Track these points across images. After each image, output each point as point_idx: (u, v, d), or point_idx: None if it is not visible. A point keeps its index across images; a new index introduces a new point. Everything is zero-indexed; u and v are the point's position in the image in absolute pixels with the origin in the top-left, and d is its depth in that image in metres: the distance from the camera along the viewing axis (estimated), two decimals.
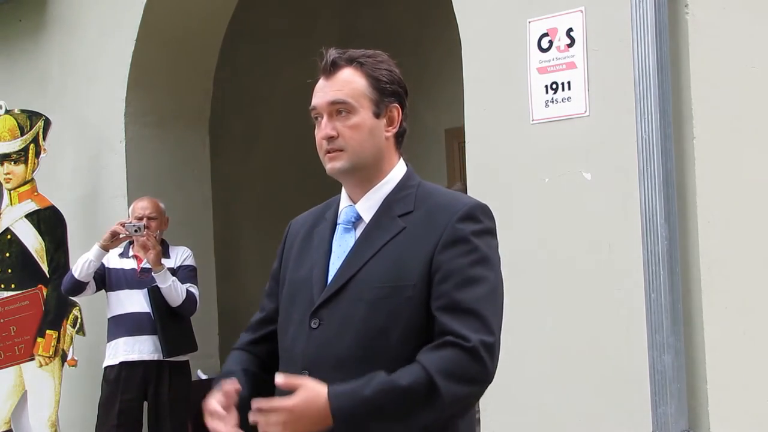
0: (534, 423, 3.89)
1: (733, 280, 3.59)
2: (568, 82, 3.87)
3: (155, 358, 5.50)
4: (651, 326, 3.49)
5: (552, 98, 3.92)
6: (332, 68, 2.22)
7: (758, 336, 3.65)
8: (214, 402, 2.17)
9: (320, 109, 2.23)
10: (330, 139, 2.21)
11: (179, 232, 6.27)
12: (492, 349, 2.08)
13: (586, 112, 3.82)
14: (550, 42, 3.93)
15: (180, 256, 5.70)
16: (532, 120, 3.98)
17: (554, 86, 3.92)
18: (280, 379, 2.07)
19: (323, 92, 2.23)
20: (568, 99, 3.87)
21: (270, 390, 2.21)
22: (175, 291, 5.43)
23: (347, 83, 2.21)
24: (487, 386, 2.13)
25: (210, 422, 2.16)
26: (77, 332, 6.24)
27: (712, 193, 3.55)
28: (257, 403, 2.05)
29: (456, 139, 6.81)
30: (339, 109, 2.20)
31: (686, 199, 3.53)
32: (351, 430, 2.03)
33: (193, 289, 5.59)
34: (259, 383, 2.30)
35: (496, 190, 4.02)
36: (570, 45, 3.87)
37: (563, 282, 3.88)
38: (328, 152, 2.22)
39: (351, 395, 2.03)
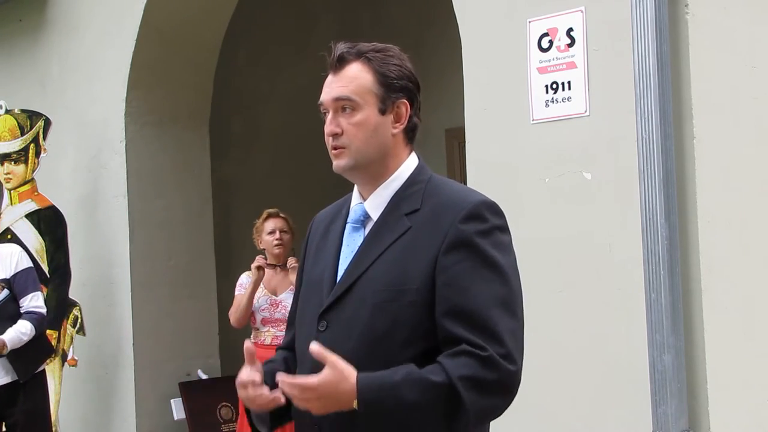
0: (534, 423, 3.89)
1: (733, 280, 3.59)
2: (568, 82, 3.87)
3: (8, 381, 5.08)
4: (651, 326, 3.49)
5: (552, 98, 3.92)
6: (339, 63, 2.19)
7: (758, 336, 3.65)
8: (242, 373, 2.15)
9: (326, 105, 2.20)
10: (335, 135, 2.18)
11: (179, 232, 6.28)
12: (508, 357, 2.03)
13: (586, 112, 3.82)
14: (550, 42, 3.93)
15: (10, 262, 5.14)
16: (532, 120, 3.98)
17: (554, 86, 3.92)
18: (315, 346, 2.00)
19: (330, 88, 2.20)
20: (568, 99, 3.87)
21: None
22: (24, 337, 5.02)
23: (353, 79, 2.18)
24: (513, 396, 2.07)
25: (243, 393, 2.15)
26: (77, 332, 6.25)
27: (712, 193, 3.55)
28: (281, 376, 2.02)
29: (456, 139, 6.82)
30: (343, 105, 2.17)
31: (686, 199, 3.52)
32: (374, 417, 1.99)
33: (36, 302, 5.12)
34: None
35: (496, 190, 4.01)
36: (570, 45, 3.87)
37: (563, 282, 3.88)
38: (333, 149, 2.20)
39: (379, 380, 1.99)
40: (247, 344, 2.18)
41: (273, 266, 5.56)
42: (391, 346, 2.08)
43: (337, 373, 1.98)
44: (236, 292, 5.60)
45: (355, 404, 1.99)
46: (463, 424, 2.03)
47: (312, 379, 1.98)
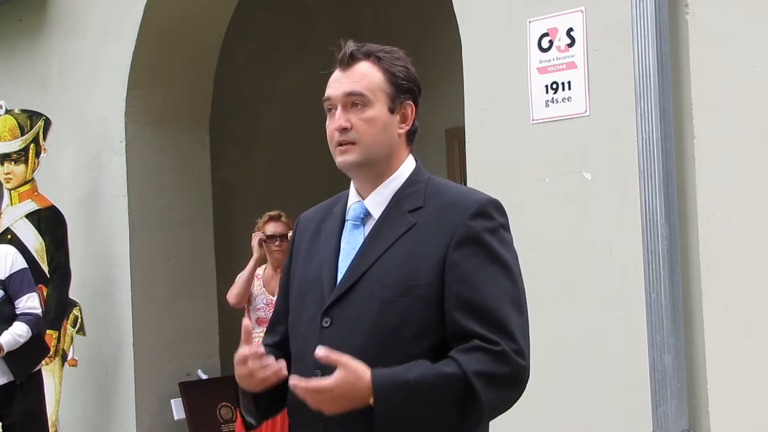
0: (534, 423, 3.89)
1: (733, 280, 3.59)
2: (568, 82, 3.87)
3: (5, 382, 5.10)
4: (651, 326, 3.49)
5: (552, 98, 3.92)
6: (350, 60, 2.19)
7: (758, 336, 3.65)
8: (242, 348, 2.13)
9: (335, 100, 2.19)
10: (343, 130, 2.17)
11: (179, 232, 6.28)
12: (519, 353, 2.06)
13: (586, 112, 3.82)
14: (551, 42, 3.93)
15: (4, 263, 5.13)
16: (532, 120, 3.99)
17: (554, 86, 3.92)
18: (321, 351, 2.00)
19: (339, 83, 2.20)
20: (568, 99, 3.87)
21: None
22: (21, 339, 5.03)
23: (364, 76, 2.18)
24: (523, 390, 2.10)
25: (243, 369, 2.13)
26: (77, 332, 6.25)
27: (712, 193, 3.55)
28: (294, 380, 2.02)
29: (456, 139, 6.82)
30: (354, 101, 2.17)
31: (686, 198, 3.53)
32: (390, 413, 2.00)
33: (31, 303, 5.12)
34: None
35: (496, 189, 3.99)
36: (570, 45, 3.87)
37: (563, 282, 3.88)
38: (340, 144, 2.18)
39: (393, 376, 2.00)
40: (245, 322, 2.17)
41: (273, 237, 5.52)
42: (401, 341, 2.08)
43: (351, 373, 1.99)
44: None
45: (370, 401, 1.99)
46: (477, 419, 2.06)
47: (327, 381, 1.99)
